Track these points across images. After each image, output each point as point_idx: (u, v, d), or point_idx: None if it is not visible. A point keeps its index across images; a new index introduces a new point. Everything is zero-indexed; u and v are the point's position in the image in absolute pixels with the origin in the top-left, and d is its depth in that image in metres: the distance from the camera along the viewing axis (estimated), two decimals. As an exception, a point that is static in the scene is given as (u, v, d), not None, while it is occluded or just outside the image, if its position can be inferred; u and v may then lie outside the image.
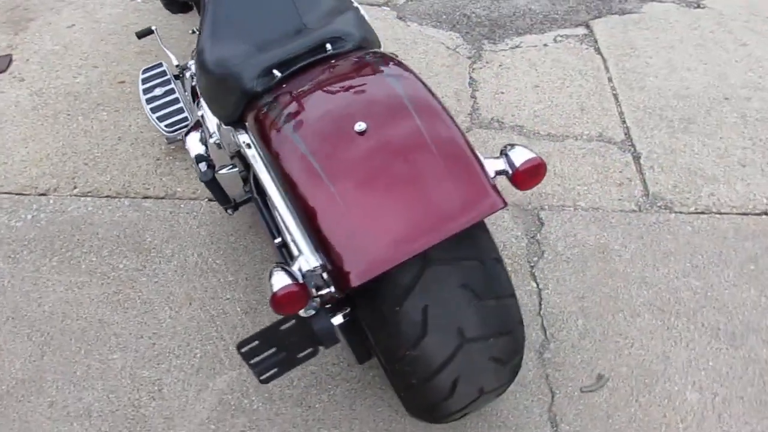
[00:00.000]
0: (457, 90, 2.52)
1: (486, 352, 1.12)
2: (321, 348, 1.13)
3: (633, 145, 2.26)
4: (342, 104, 1.13)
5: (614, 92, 2.47)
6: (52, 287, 1.91)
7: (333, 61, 1.28)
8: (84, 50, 2.82)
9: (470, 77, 2.59)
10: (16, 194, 2.21)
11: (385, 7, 3.01)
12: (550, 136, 2.31)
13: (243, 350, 1.07)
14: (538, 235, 1.98)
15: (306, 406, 1.57)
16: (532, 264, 1.90)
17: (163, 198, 2.16)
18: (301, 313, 1.08)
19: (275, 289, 1.00)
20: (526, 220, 2.03)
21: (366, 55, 1.30)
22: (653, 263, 1.87)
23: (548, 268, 1.88)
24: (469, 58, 2.69)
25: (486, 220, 1.91)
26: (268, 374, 1.10)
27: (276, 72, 1.28)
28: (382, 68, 1.22)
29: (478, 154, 1.12)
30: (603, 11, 2.91)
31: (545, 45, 2.73)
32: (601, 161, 2.21)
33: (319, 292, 1.10)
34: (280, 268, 1.03)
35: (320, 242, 1.02)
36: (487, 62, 2.67)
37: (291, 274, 1.02)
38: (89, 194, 2.19)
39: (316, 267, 1.03)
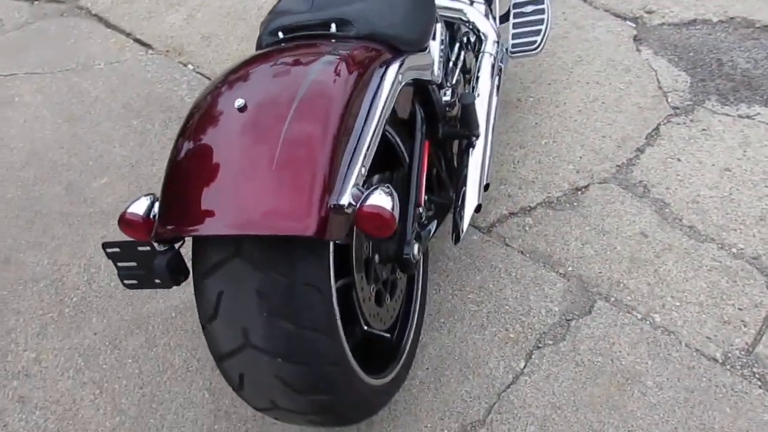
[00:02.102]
0: (627, 135, 2.15)
1: (272, 369, 1.07)
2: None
3: (787, 290, 1.70)
4: (259, 78, 1.13)
5: (825, 218, 1.85)
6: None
7: (317, 41, 1.26)
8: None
9: (656, 128, 2.18)
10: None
11: (629, 23, 2.64)
12: (692, 230, 1.86)
13: (108, 250, 1.20)
14: (574, 322, 1.68)
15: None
16: (539, 345, 1.63)
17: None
18: (156, 246, 1.16)
19: (127, 209, 1.11)
20: (576, 301, 1.72)
21: (353, 46, 1.24)
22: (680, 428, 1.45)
23: (551, 360, 1.60)
24: (675, 108, 2.24)
25: (492, 274, 1.70)
26: (129, 282, 1.22)
27: (280, 34, 1.32)
28: (329, 62, 1.16)
29: (337, 179, 1.03)
30: None
31: (785, 128, 2.12)
32: (726, 286, 1.72)
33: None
34: (148, 198, 1.13)
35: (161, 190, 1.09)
36: (692, 120, 2.20)
37: (148, 206, 1.11)
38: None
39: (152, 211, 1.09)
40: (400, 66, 1.27)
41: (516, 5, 2.18)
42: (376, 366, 1.42)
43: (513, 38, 2.08)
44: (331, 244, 1.11)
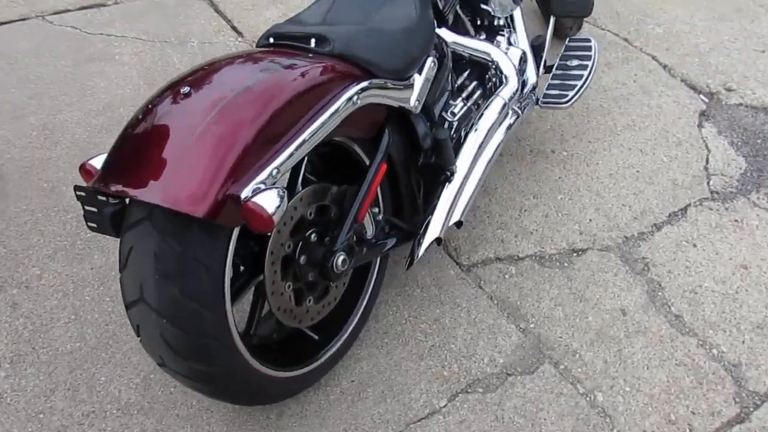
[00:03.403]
0: (648, 209, 2.06)
1: (158, 327, 1.19)
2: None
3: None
4: (218, 72, 1.25)
5: (831, 346, 1.67)
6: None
7: (291, 51, 1.36)
8: None
9: (684, 209, 2.06)
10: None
11: (702, 97, 2.50)
12: (677, 320, 1.75)
13: (77, 193, 1.37)
14: (512, 378, 1.65)
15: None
16: (467, 390, 1.62)
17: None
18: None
19: (88, 159, 1.27)
20: (524, 358, 1.69)
21: (321, 61, 1.32)
22: None
23: (472, 407, 1.58)
24: (714, 193, 2.11)
25: (452, 311, 1.61)
26: (90, 224, 1.38)
27: (271, 39, 1.44)
28: (284, 67, 1.25)
29: (246, 171, 1.12)
30: None
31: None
32: (689, 385, 1.61)
33: None
34: (107, 155, 1.28)
35: None
36: (727, 209, 2.06)
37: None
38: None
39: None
40: (362, 89, 1.35)
41: (563, 57, 2.16)
42: (291, 358, 1.51)
43: (547, 88, 2.07)
44: (236, 230, 1.21)
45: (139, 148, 1.17)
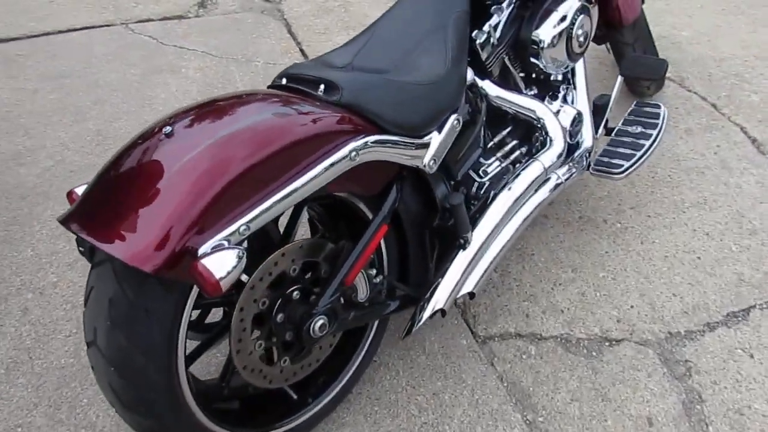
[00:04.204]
0: (703, 304, 1.80)
1: (107, 375, 1.13)
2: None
3: None
4: (209, 113, 1.17)
5: None
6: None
7: (298, 96, 1.27)
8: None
9: (747, 309, 1.80)
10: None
11: None
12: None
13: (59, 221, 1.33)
14: None
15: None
16: None
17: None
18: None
19: (75, 187, 1.23)
20: None
21: (325, 109, 1.23)
22: None
23: None
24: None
25: (455, 387, 1.54)
26: (80, 248, 1.31)
27: (284, 80, 1.37)
28: (279, 115, 1.16)
29: (209, 226, 1.03)
30: None
31: None
32: None
33: None
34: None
35: None
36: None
37: None
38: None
39: None
40: (364, 145, 1.24)
41: (626, 121, 1.96)
42: (263, 417, 1.41)
43: (601, 154, 1.88)
44: (195, 286, 1.13)
45: (108, 190, 1.12)
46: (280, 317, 1.29)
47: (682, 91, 2.62)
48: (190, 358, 1.32)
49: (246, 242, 1.11)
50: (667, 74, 2.68)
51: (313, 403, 1.47)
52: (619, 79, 1.98)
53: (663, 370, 1.66)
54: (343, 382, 1.52)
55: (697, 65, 2.75)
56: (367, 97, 1.29)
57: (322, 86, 1.30)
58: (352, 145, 1.22)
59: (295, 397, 1.46)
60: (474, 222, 1.55)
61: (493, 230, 1.55)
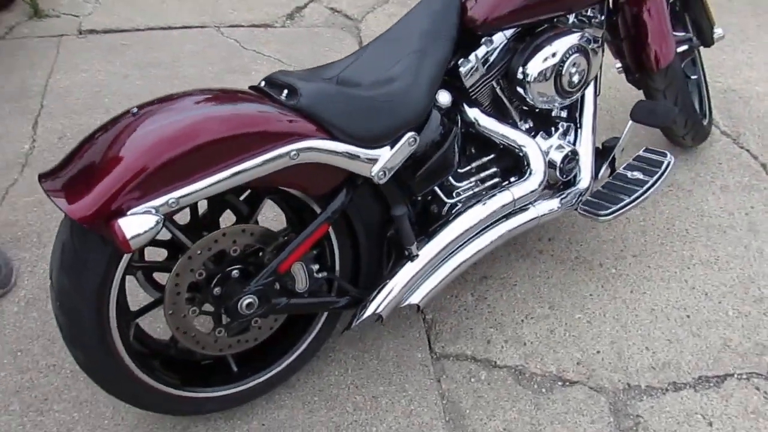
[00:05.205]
0: (675, 363, 1.72)
1: (55, 308, 1.32)
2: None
3: None
4: (181, 101, 1.32)
5: None
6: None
7: (261, 96, 1.39)
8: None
9: (716, 378, 1.69)
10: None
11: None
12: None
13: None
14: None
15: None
16: None
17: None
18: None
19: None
20: None
21: (279, 111, 1.35)
22: None
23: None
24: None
25: (397, 395, 1.48)
26: None
27: (263, 83, 1.52)
28: (234, 109, 1.30)
29: (144, 194, 1.19)
30: None
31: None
32: None
33: None
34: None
35: None
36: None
37: None
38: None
39: None
40: (306, 148, 1.36)
41: (628, 165, 1.92)
42: (198, 382, 1.56)
43: (593, 195, 1.85)
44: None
45: (75, 156, 1.31)
46: (216, 290, 1.43)
47: (733, 147, 2.48)
48: (143, 311, 1.51)
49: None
50: (724, 129, 2.57)
51: (250, 378, 1.60)
52: (629, 123, 1.94)
53: (609, 419, 1.62)
54: (282, 365, 1.63)
55: (759, 123, 2.59)
56: (321, 105, 1.41)
57: (285, 91, 1.44)
58: (295, 145, 1.34)
59: (235, 369, 1.60)
60: (431, 237, 1.62)
61: (444, 247, 1.60)
